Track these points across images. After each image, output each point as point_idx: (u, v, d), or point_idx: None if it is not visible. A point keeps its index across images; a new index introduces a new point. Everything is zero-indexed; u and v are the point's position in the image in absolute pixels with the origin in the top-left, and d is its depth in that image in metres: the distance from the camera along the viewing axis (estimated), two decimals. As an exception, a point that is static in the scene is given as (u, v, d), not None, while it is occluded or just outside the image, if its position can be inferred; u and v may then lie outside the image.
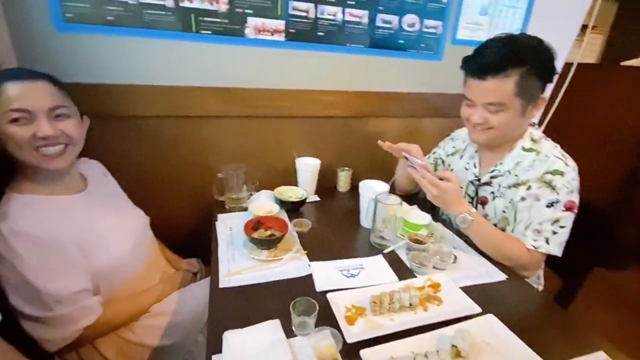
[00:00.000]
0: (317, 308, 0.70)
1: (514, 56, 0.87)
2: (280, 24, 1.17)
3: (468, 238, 1.02)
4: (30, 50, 0.97)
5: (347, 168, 1.41)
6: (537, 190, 0.95)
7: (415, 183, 1.26)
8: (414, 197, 1.35)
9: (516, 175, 1.00)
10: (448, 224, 1.18)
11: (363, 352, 0.63)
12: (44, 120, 0.75)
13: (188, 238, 1.29)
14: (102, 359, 0.89)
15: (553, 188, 0.93)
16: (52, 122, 0.77)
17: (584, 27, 1.54)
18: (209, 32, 1.11)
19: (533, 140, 1.01)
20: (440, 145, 1.33)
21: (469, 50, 0.98)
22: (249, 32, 1.15)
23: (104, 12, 1.00)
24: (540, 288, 1.12)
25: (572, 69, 1.64)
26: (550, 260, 0.98)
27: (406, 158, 1.02)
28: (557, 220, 0.93)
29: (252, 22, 1.14)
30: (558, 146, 1.00)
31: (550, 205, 0.93)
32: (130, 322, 0.92)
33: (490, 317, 0.74)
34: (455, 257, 0.97)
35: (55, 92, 0.79)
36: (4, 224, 0.71)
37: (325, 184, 1.40)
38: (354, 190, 1.41)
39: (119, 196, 1.06)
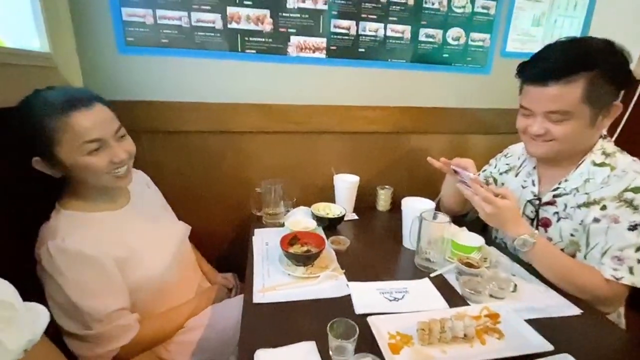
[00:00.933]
0: (357, 331, 0.63)
1: (581, 59, 0.78)
2: (321, 42, 1.19)
3: (529, 265, 0.90)
4: (94, 72, 1.07)
5: (387, 186, 1.35)
6: (615, 211, 0.81)
7: (464, 202, 1.17)
8: (462, 218, 1.24)
9: (586, 194, 0.87)
10: (503, 248, 1.06)
11: (411, 387, 0.55)
12: (115, 145, 0.78)
13: (225, 252, 1.29)
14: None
15: (636, 208, 0.79)
16: (119, 144, 0.80)
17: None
18: (254, 51, 1.15)
19: (605, 154, 0.88)
20: (492, 162, 1.22)
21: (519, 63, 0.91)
22: (291, 50, 1.18)
23: (160, 35, 1.09)
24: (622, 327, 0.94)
25: (619, 127, 1.48)
26: (633, 296, 0.83)
27: (456, 172, 0.94)
28: (642, 247, 0.78)
29: (295, 40, 1.17)
30: (638, 160, 0.86)
31: (634, 228, 0.79)
32: (164, 340, 0.90)
33: (567, 358, 0.61)
34: (515, 286, 0.85)
35: (112, 114, 0.81)
36: (52, 243, 0.72)
37: (364, 202, 1.34)
38: (394, 210, 1.34)
39: (161, 207, 1.09)
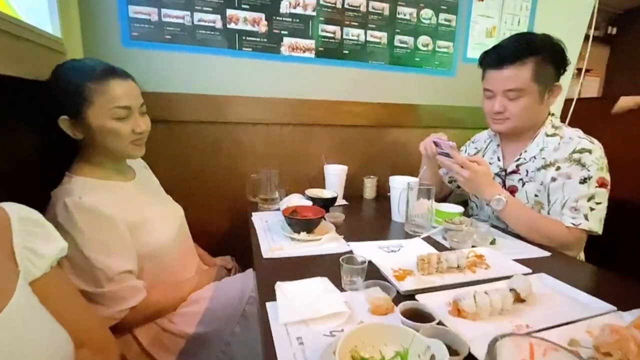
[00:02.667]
0: (367, 262, 0.70)
1: (529, 46, 0.98)
2: (311, 43, 1.33)
3: (503, 230, 1.02)
4: (98, 61, 1.12)
5: (372, 176, 1.46)
6: (568, 169, 0.97)
7: (440, 185, 1.31)
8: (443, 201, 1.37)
9: (543, 158, 1.03)
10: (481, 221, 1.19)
11: (419, 297, 0.62)
12: (138, 117, 0.85)
13: (220, 240, 1.31)
14: (137, 347, 0.86)
15: (583, 165, 0.96)
16: (142, 118, 0.87)
17: (579, 70, 1.68)
18: (250, 49, 1.27)
19: (554, 127, 1.06)
20: (462, 149, 1.38)
21: (479, 67, 1.10)
22: (284, 49, 1.31)
23: (164, 32, 1.18)
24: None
25: (573, 104, 1.76)
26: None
27: (436, 144, 1.07)
28: (592, 197, 0.94)
29: (287, 41, 1.30)
30: (579, 130, 1.05)
31: (583, 181, 0.95)
32: (170, 310, 0.90)
33: (542, 275, 0.72)
34: (494, 239, 0.97)
35: (139, 91, 0.88)
36: (69, 199, 0.75)
37: (352, 192, 1.43)
38: (379, 197, 1.45)
39: (160, 190, 1.12)
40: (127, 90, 0.83)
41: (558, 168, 0.99)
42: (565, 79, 1.57)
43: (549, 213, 1.01)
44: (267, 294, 0.65)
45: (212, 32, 1.22)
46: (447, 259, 0.74)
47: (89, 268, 0.74)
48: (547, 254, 0.90)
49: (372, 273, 0.73)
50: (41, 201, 0.77)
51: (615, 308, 0.60)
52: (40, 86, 0.81)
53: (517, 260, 0.83)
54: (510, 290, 0.62)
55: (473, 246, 0.91)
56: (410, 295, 0.64)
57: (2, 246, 0.44)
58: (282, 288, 0.65)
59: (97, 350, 0.52)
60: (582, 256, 1.08)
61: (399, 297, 0.64)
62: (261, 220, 1.11)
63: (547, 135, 1.05)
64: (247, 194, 1.25)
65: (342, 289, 0.68)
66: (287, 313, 0.58)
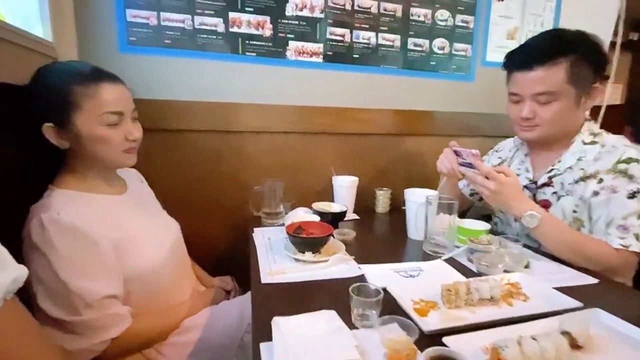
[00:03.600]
0: (382, 293, 0.59)
1: (562, 45, 0.87)
2: (318, 47, 1.25)
3: (536, 250, 0.90)
4: (94, 68, 1.06)
5: (385, 188, 1.35)
6: (612, 182, 0.85)
7: (461, 199, 1.19)
8: (462, 216, 1.25)
9: (582, 169, 0.91)
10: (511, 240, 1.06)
11: (447, 339, 0.50)
12: (130, 123, 0.78)
13: (221, 255, 1.21)
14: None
15: (631, 177, 0.83)
16: (134, 124, 0.80)
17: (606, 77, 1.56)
18: (254, 54, 1.20)
19: (593, 134, 0.94)
20: (485, 158, 1.26)
21: (500, 71, 0.99)
22: (289, 54, 1.23)
23: (163, 36, 1.11)
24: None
25: (602, 111, 1.64)
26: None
27: (456, 154, 0.96)
28: (644, 214, 0.81)
29: (293, 45, 1.23)
30: (623, 137, 0.92)
31: (632, 195, 0.82)
32: (158, 340, 0.81)
33: (598, 311, 0.59)
34: (528, 262, 0.84)
35: (130, 95, 0.82)
36: (45, 215, 0.67)
37: (363, 205, 1.33)
38: (393, 211, 1.34)
39: (155, 204, 1.03)
40: (118, 94, 0.76)
41: (600, 180, 0.87)
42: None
43: (591, 232, 0.88)
44: (262, 330, 0.55)
45: (214, 37, 1.15)
46: (478, 289, 0.62)
47: (66, 293, 0.65)
48: (594, 280, 0.77)
49: (388, 304, 0.61)
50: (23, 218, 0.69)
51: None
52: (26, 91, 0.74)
53: (559, 289, 0.70)
54: (563, 333, 0.49)
55: (505, 271, 0.79)
56: (436, 335, 0.53)
57: None
58: (280, 326, 0.54)
59: None
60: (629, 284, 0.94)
61: (423, 339, 0.53)
62: (263, 237, 1.01)
63: (585, 143, 0.93)
64: (250, 207, 1.16)
65: (352, 326, 0.57)
66: (285, 358, 0.47)
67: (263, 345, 0.51)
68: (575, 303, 0.62)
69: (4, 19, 0.79)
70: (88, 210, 0.73)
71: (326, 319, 0.57)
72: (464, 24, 1.38)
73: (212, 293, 0.98)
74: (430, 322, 0.56)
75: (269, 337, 0.52)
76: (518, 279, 0.72)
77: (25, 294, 0.47)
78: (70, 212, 0.69)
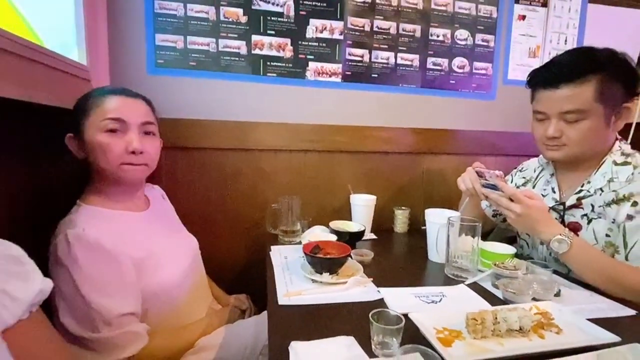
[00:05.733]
0: (403, 321, 0.56)
1: (591, 62, 0.84)
2: (337, 67, 1.27)
3: (566, 275, 0.85)
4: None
5: (404, 207, 1.33)
6: (649, 205, 0.80)
7: (483, 220, 1.15)
8: (485, 238, 1.21)
9: (614, 191, 0.86)
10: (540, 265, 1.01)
11: (474, 374, 0.47)
12: (135, 134, 0.78)
13: (238, 272, 1.21)
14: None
15: (669, 201, 0.78)
16: (142, 137, 0.80)
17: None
18: (275, 74, 1.23)
19: (625, 154, 0.90)
20: (507, 178, 1.22)
21: (522, 89, 0.97)
22: (309, 74, 1.26)
23: (189, 59, 1.16)
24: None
25: (632, 128, 1.57)
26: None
27: (479, 174, 0.94)
28: (686, 240, 0.75)
29: (313, 66, 1.25)
30: (659, 158, 0.87)
31: (672, 220, 0.77)
32: (174, 359, 0.80)
33: (636, 346, 0.55)
34: (559, 290, 0.79)
35: (149, 111, 0.85)
36: (71, 231, 0.69)
37: (381, 225, 1.30)
38: (412, 231, 1.31)
39: (175, 221, 1.05)
40: (126, 105, 0.78)
41: (635, 203, 0.82)
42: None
43: (627, 258, 0.82)
44: (279, 355, 0.53)
45: (237, 58, 1.19)
46: (506, 319, 0.59)
47: (85, 309, 0.66)
48: (631, 312, 0.71)
49: (410, 332, 0.59)
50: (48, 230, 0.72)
51: None
52: (65, 113, 0.78)
53: (593, 320, 0.65)
54: (602, 372, 0.46)
55: (534, 299, 0.74)
56: (462, 369, 0.50)
57: None
58: (298, 352, 0.53)
59: None
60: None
61: (447, 371, 0.50)
62: (280, 256, 1.00)
63: (617, 164, 0.89)
64: (267, 224, 1.16)
65: (371, 354, 0.55)
66: (303, 388, 0.46)
67: (280, 372, 0.50)
68: (613, 337, 0.57)
69: (43, 43, 0.84)
70: (111, 227, 0.75)
71: (345, 346, 0.55)
72: (484, 43, 1.37)
73: (227, 312, 0.97)
74: (455, 354, 0.53)
75: (285, 362, 0.51)
76: (549, 308, 0.68)
77: (46, 310, 0.48)
78: (95, 229, 0.71)
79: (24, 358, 0.39)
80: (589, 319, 0.66)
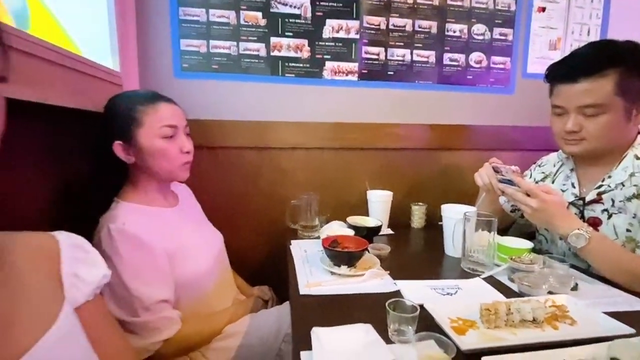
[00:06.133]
0: (418, 310, 0.60)
1: (610, 56, 0.83)
2: (353, 66, 1.30)
3: (585, 270, 0.85)
4: (152, 93, 1.19)
5: (421, 203, 1.35)
6: (671, 200, 0.79)
7: (502, 215, 1.15)
8: (504, 233, 1.21)
9: (635, 186, 0.85)
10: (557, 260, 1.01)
11: (486, 359, 0.50)
12: (184, 137, 0.88)
13: (259, 266, 1.27)
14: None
15: (692, 195, 0.77)
16: (187, 138, 0.89)
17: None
18: (293, 75, 1.27)
19: (648, 148, 0.88)
20: (526, 173, 1.22)
21: (542, 83, 0.97)
22: (326, 74, 1.29)
23: (211, 62, 1.22)
24: None
25: None
26: None
27: (495, 170, 0.95)
28: None
29: (329, 65, 1.29)
30: (684, 152, 0.86)
31: (694, 215, 0.76)
32: (204, 344, 0.87)
33: (653, 339, 0.56)
34: (577, 284, 0.80)
35: (184, 114, 0.91)
36: (113, 225, 0.76)
37: (398, 220, 1.33)
38: (429, 227, 1.32)
39: (201, 216, 1.12)
40: (173, 111, 0.87)
41: (657, 198, 0.81)
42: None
43: (647, 254, 0.82)
44: (301, 339, 0.58)
45: (257, 60, 1.24)
46: (520, 310, 0.61)
47: (127, 295, 0.74)
48: (651, 307, 0.72)
49: (425, 321, 0.62)
50: (93, 226, 0.79)
51: None
52: (97, 116, 0.85)
53: (609, 314, 0.66)
54: (612, 359, 0.48)
55: (549, 292, 0.76)
56: (474, 355, 0.53)
57: (51, 273, 0.44)
58: (319, 335, 0.57)
59: None
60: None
61: (460, 357, 0.53)
62: (300, 250, 1.05)
63: (638, 158, 0.88)
64: (287, 220, 1.21)
65: (388, 340, 0.58)
66: (325, 368, 0.50)
67: (303, 354, 0.54)
68: (628, 329, 0.58)
69: (80, 52, 0.92)
70: (148, 221, 0.82)
71: (363, 332, 0.59)
72: (502, 37, 1.36)
73: (251, 302, 1.03)
74: (469, 342, 0.56)
75: (308, 346, 0.56)
76: (564, 301, 0.69)
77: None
78: (134, 224, 0.78)
79: (91, 332, 0.45)
80: (605, 312, 0.67)
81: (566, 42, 1.39)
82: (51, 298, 0.42)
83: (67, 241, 0.48)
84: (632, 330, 0.58)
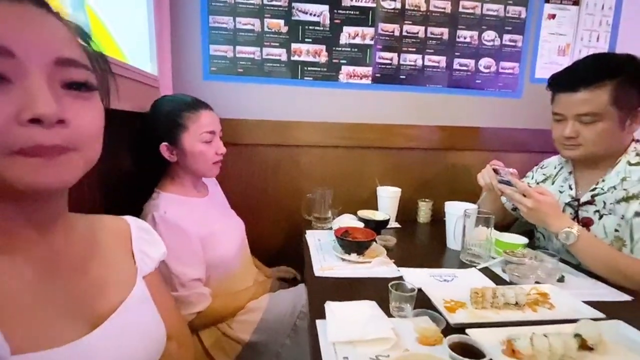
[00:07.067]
0: (416, 290, 0.70)
1: (607, 68, 0.90)
2: (368, 70, 1.39)
3: (576, 266, 0.93)
4: (183, 92, 1.30)
5: (427, 199, 1.44)
6: (656, 203, 0.86)
7: (502, 214, 1.24)
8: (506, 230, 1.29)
9: (625, 190, 0.93)
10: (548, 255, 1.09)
11: (469, 331, 0.61)
12: (219, 141, 1.00)
13: (276, 253, 1.40)
14: (201, 347, 0.96)
15: (675, 200, 0.84)
16: (221, 142, 1.01)
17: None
18: (311, 78, 1.37)
19: (640, 155, 0.95)
20: (529, 174, 1.29)
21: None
22: (342, 77, 1.39)
23: (237, 66, 1.34)
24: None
25: None
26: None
27: (495, 171, 1.03)
28: (688, 236, 0.82)
29: (345, 69, 1.38)
30: (673, 160, 0.92)
31: (676, 218, 0.83)
32: (230, 317, 0.99)
33: (620, 323, 0.65)
34: (563, 276, 0.89)
35: (219, 119, 1.03)
36: (156, 213, 0.89)
37: (406, 215, 1.42)
38: (434, 222, 1.41)
39: (227, 205, 1.24)
40: (212, 118, 0.99)
41: (644, 201, 0.88)
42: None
43: (632, 252, 0.89)
44: (317, 311, 0.69)
45: (278, 65, 1.35)
46: (504, 294, 0.71)
47: (167, 273, 0.86)
48: (628, 298, 0.80)
49: (422, 302, 0.72)
50: (132, 212, 0.92)
51: None
52: (138, 117, 0.98)
53: (589, 303, 0.75)
54: (575, 336, 0.57)
55: (537, 282, 0.85)
56: (461, 329, 0.63)
57: (126, 249, 0.56)
58: (332, 307, 0.68)
59: (180, 345, 0.61)
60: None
61: (449, 330, 0.63)
62: (314, 239, 1.16)
63: (631, 164, 0.95)
64: (303, 212, 1.33)
65: (390, 315, 0.69)
66: (336, 332, 0.61)
67: (318, 322, 0.66)
68: (599, 314, 0.68)
69: (126, 59, 1.04)
70: (185, 210, 0.95)
71: (369, 307, 0.70)
72: (512, 43, 1.42)
73: (270, 282, 1.16)
74: (457, 318, 0.66)
75: (322, 316, 0.67)
76: (547, 290, 0.78)
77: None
78: (173, 212, 0.90)
79: (154, 296, 0.56)
80: (585, 301, 0.76)
81: (575, 48, 1.44)
82: (128, 268, 0.54)
83: (135, 224, 0.60)
84: (602, 315, 0.67)
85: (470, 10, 1.38)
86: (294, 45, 1.34)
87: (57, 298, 0.41)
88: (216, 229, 1.01)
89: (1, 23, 0.33)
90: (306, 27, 1.34)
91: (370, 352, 0.57)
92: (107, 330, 0.44)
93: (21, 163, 0.34)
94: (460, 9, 1.38)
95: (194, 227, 0.93)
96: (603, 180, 0.98)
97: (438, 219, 1.39)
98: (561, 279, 0.88)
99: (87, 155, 0.40)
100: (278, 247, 1.44)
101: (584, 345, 0.56)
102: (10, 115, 0.33)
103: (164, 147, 0.94)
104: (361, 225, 1.19)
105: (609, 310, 0.71)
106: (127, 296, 0.50)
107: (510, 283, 0.86)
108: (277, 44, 1.34)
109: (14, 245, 0.38)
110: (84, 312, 0.43)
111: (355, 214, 1.30)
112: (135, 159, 1.04)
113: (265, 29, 1.32)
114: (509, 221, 1.33)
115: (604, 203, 0.97)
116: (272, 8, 1.31)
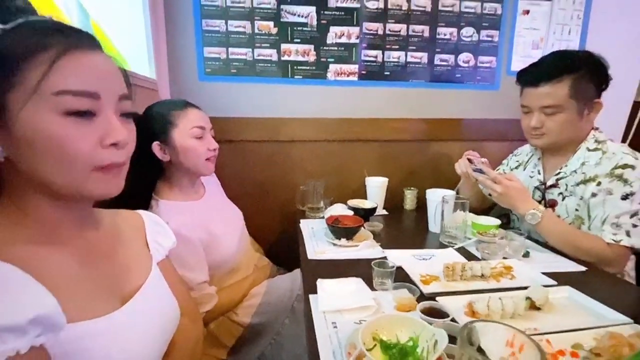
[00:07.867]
0: (395, 267, 0.81)
1: (567, 64, 1.00)
2: (354, 68, 1.47)
3: (543, 244, 1.04)
4: (180, 95, 1.39)
5: (412, 188, 1.54)
6: (609, 185, 0.97)
7: (481, 198, 1.35)
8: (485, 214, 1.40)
9: (583, 173, 1.04)
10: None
11: (440, 298, 0.71)
12: (210, 137, 1.05)
13: (273, 242, 1.50)
14: (205, 330, 1.05)
15: (625, 181, 0.95)
16: (212, 138, 1.07)
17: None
18: (300, 76, 1.45)
19: (598, 141, 1.06)
20: (504, 162, 1.40)
21: None
22: (330, 75, 1.47)
23: (230, 67, 1.41)
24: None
25: (632, 132, 1.65)
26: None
27: (470, 161, 1.13)
28: (636, 213, 0.93)
29: (333, 67, 1.46)
30: (625, 145, 1.03)
31: (626, 197, 0.94)
32: (235, 306, 1.08)
33: (568, 288, 0.76)
34: (528, 252, 1.00)
35: (208, 118, 1.09)
36: None
37: (393, 203, 1.52)
38: (419, 208, 1.52)
39: (225, 200, 1.33)
40: (201, 115, 1.04)
41: (599, 183, 0.99)
42: (632, 78, 1.52)
43: (589, 229, 1.01)
44: (310, 288, 0.79)
45: (269, 65, 1.43)
46: (472, 268, 0.82)
47: None
48: (582, 268, 0.91)
49: (402, 277, 0.83)
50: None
51: (631, 321, 0.63)
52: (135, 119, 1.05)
53: (547, 274, 0.86)
54: (526, 298, 0.68)
55: (504, 258, 0.96)
56: (433, 298, 0.74)
57: (142, 239, 0.65)
58: (323, 284, 0.79)
59: (192, 320, 0.71)
60: (632, 274, 1.05)
61: (423, 298, 0.74)
62: (308, 227, 1.26)
63: (589, 150, 1.05)
64: (297, 203, 1.42)
65: (373, 289, 0.80)
66: (326, 303, 0.71)
67: (311, 296, 0.76)
68: (552, 282, 0.79)
69: (128, 65, 1.12)
70: (186, 217, 0.99)
71: (355, 283, 0.81)
72: (489, 38, 1.51)
73: (269, 268, 1.26)
74: (430, 288, 0.77)
75: (314, 291, 0.77)
76: (512, 263, 0.89)
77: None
78: (175, 222, 0.92)
79: (167, 279, 0.65)
80: (544, 272, 0.87)
81: (548, 42, 1.54)
82: (145, 256, 0.63)
83: (148, 218, 0.69)
84: (554, 282, 0.78)
85: (449, 8, 1.46)
86: (283, 46, 1.42)
87: (94, 279, 0.50)
88: (217, 231, 1.05)
89: (92, 72, 0.44)
90: (295, 28, 1.41)
91: (355, 317, 0.67)
92: (134, 306, 0.53)
93: (98, 178, 0.46)
94: (440, 7, 1.46)
95: (195, 233, 0.98)
96: (566, 165, 1.09)
97: (423, 206, 1.48)
98: (526, 255, 0.99)
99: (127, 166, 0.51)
100: (275, 236, 1.54)
101: (532, 306, 0.67)
102: (96, 141, 0.45)
103: (156, 146, 0.98)
104: (351, 213, 1.29)
105: (564, 279, 0.83)
106: (146, 279, 0.59)
107: (482, 260, 0.97)
108: (268, 45, 1.41)
109: (61, 238, 0.48)
110: (114, 291, 0.53)
111: (345, 203, 1.41)
112: (130, 161, 1.11)
113: (256, 31, 1.39)
114: (487, 206, 1.44)
115: (566, 186, 1.08)
116: (261, 10, 1.38)
